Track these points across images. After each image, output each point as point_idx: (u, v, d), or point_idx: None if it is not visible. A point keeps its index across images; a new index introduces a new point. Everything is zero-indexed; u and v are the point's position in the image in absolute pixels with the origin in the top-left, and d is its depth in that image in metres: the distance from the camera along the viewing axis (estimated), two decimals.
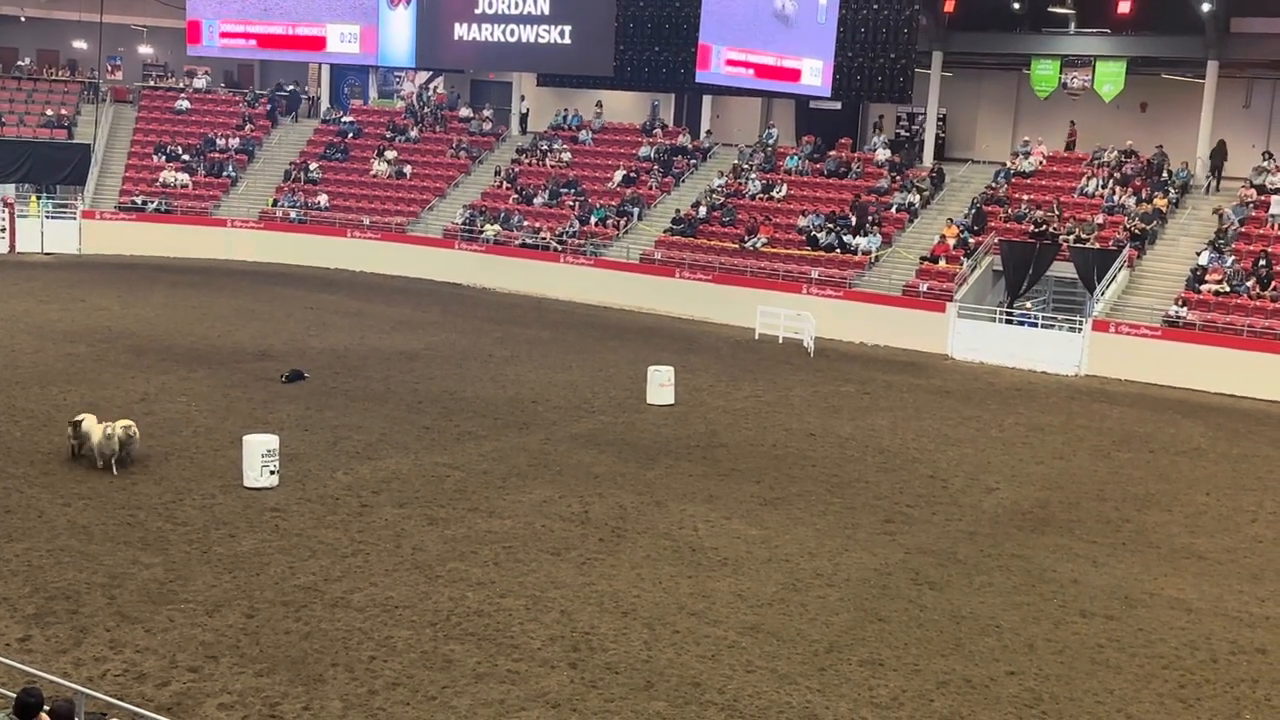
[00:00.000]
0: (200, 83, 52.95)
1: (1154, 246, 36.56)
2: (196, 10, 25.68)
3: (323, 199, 47.02)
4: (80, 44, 53.65)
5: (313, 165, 48.81)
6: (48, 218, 45.17)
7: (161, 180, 47.52)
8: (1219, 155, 38.65)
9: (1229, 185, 38.12)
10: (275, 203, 47.20)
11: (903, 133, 46.32)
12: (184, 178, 47.84)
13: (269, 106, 51.81)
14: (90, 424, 19.77)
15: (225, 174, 48.60)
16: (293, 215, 46.55)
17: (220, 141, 49.93)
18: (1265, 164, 37.58)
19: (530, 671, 13.50)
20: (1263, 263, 33.76)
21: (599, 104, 48.82)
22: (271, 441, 19.50)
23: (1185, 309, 33.33)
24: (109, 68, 52.98)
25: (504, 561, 16.71)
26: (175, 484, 19.22)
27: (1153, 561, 18.40)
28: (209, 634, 13.94)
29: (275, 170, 49.31)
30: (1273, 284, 33.28)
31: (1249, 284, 33.41)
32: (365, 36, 24.07)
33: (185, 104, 51.46)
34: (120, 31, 52.05)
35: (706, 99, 46.71)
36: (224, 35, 25.48)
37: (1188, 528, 20.23)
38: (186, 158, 48.89)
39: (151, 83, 53.48)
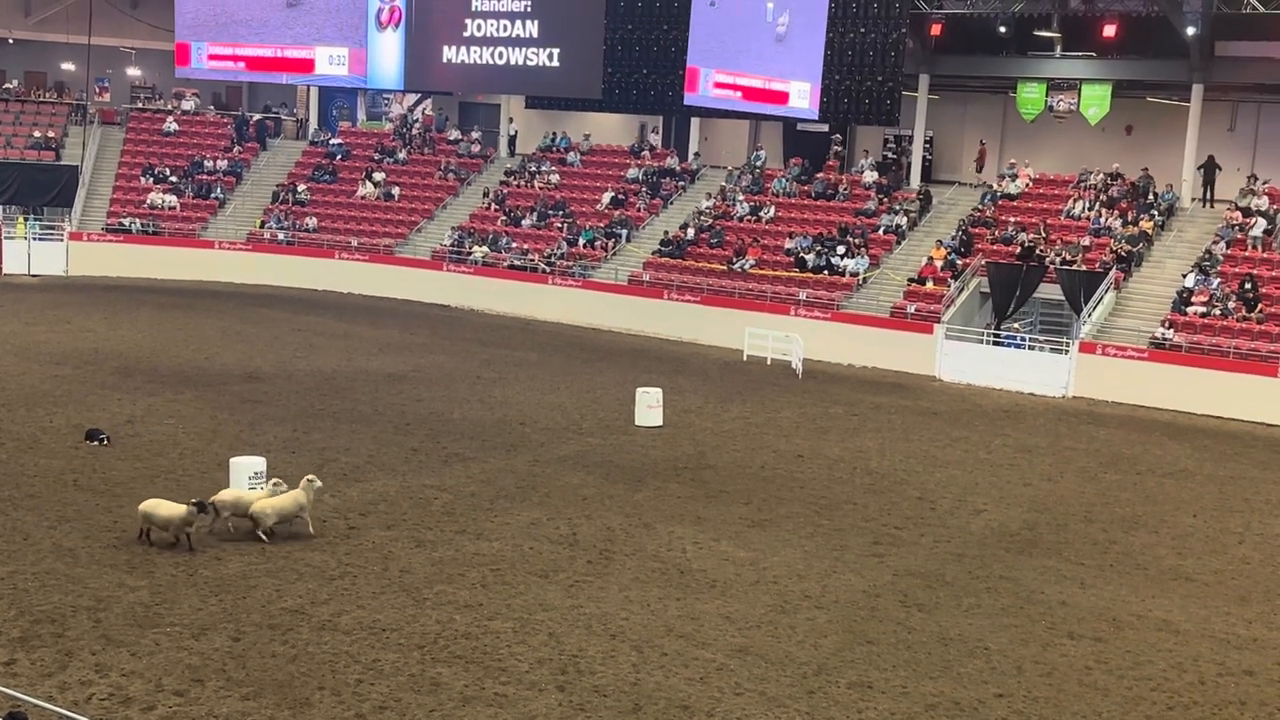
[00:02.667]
0: (188, 105, 52.93)
1: (1140, 269, 36.71)
2: (185, 33, 25.69)
3: (311, 221, 47.01)
4: (68, 66, 53.63)
5: (301, 187, 48.81)
6: (35, 239, 45.07)
7: (149, 202, 47.45)
8: (1210, 169, 38.87)
9: (1219, 201, 38.34)
10: (263, 224, 47.16)
11: (890, 155, 46.50)
12: (171, 199, 47.78)
13: (237, 130, 51.64)
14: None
15: (213, 196, 48.55)
16: (280, 237, 46.51)
17: (208, 163, 49.90)
18: (1251, 186, 37.80)
19: (518, 694, 13.45)
20: (1248, 285, 33.90)
21: (586, 136, 48.93)
22: (259, 463, 19.44)
23: (1171, 331, 33.45)
24: (97, 89, 52.94)
25: (492, 584, 16.66)
26: None
27: (1140, 583, 18.41)
28: (195, 657, 13.87)
29: (263, 192, 49.28)
30: (1259, 306, 33.41)
31: (1233, 305, 33.53)
32: (354, 59, 24.11)
33: (173, 126, 51.44)
34: (108, 53, 52.04)
35: (695, 121, 46.87)
36: (212, 58, 25.51)
37: (1175, 549, 20.26)
38: (174, 179, 48.83)
39: (139, 105, 53.44)
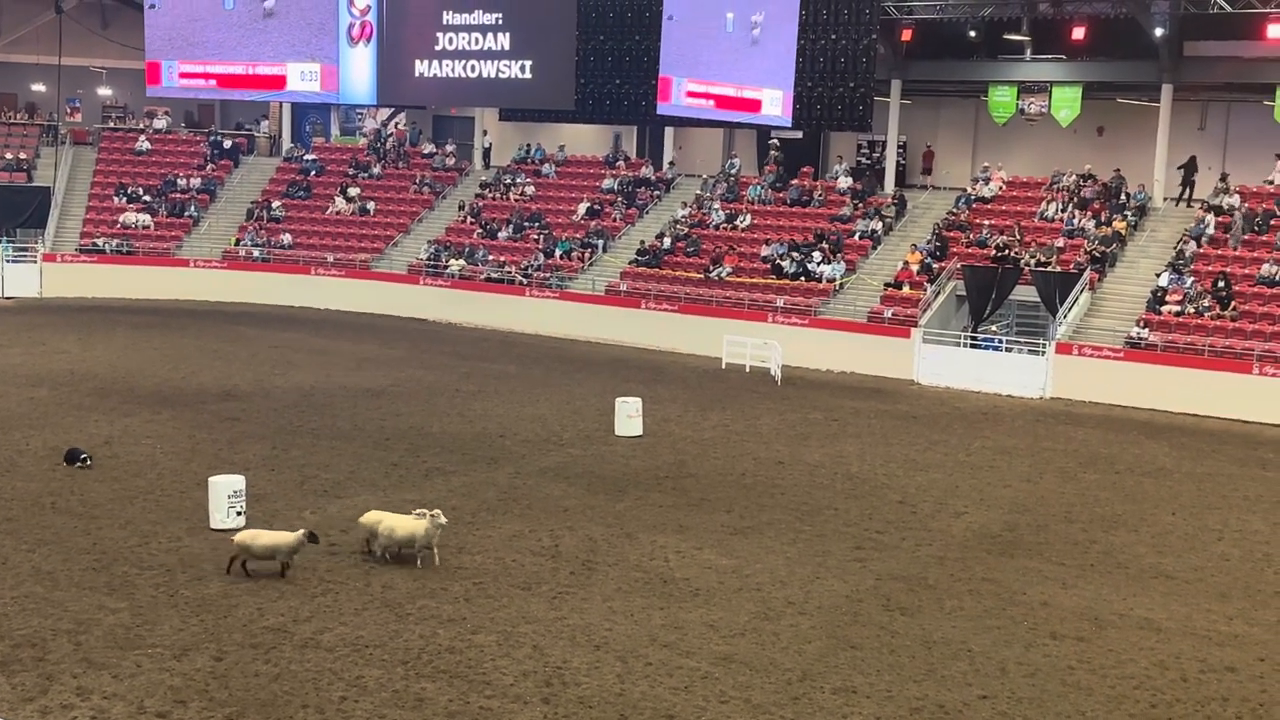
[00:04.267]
0: (160, 123, 52.74)
1: (1114, 269, 36.93)
2: (155, 51, 25.61)
3: (286, 237, 46.88)
4: (39, 87, 53.36)
5: (275, 203, 48.69)
6: (8, 262, 44.82)
7: (122, 221, 47.25)
8: (1190, 169, 39.10)
9: (1197, 200, 38.61)
10: (238, 242, 47.01)
11: (864, 160, 46.66)
12: (145, 218, 47.59)
13: (212, 148, 51.49)
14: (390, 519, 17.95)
15: (187, 214, 48.38)
16: (256, 254, 46.37)
17: (181, 181, 49.72)
18: (1221, 185, 38.07)
19: (503, 708, 13.42)
20: (1221, 283, 34.12)
21: (562, 147, 48.98)
22: (238, 482, 19.36)
23: (1147, 330, 33.64)
24: (68, 110, 52.72)
25: (474, 597, 16.63)
26: (141, 527, 19.04)
27: (1121, 582, 18.49)
28: (177, 678, 13.79)
29: (237, 209, 49.15)
30: (1232, 304, 33.64)
31: (1208, 303, 33.74)
32: (325, 75, 24.08)
33: (145, 145, 51.26)
34: (79, 73, 51.83)
35: (669, 130, 46.94)
36: (183, 75, 25.47)
37: (1155, 547, 20.35)
38: (148, 198, 48.65)
39: (111, 124, 53.24)
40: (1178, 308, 34.12)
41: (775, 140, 45.63)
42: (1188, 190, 39.47)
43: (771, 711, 13.62)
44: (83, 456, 22.17)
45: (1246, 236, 36.24)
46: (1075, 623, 16.67)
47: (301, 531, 17.26)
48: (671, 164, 47.34)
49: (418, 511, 17.90)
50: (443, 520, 17.74)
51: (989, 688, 14.48)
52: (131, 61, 45.21)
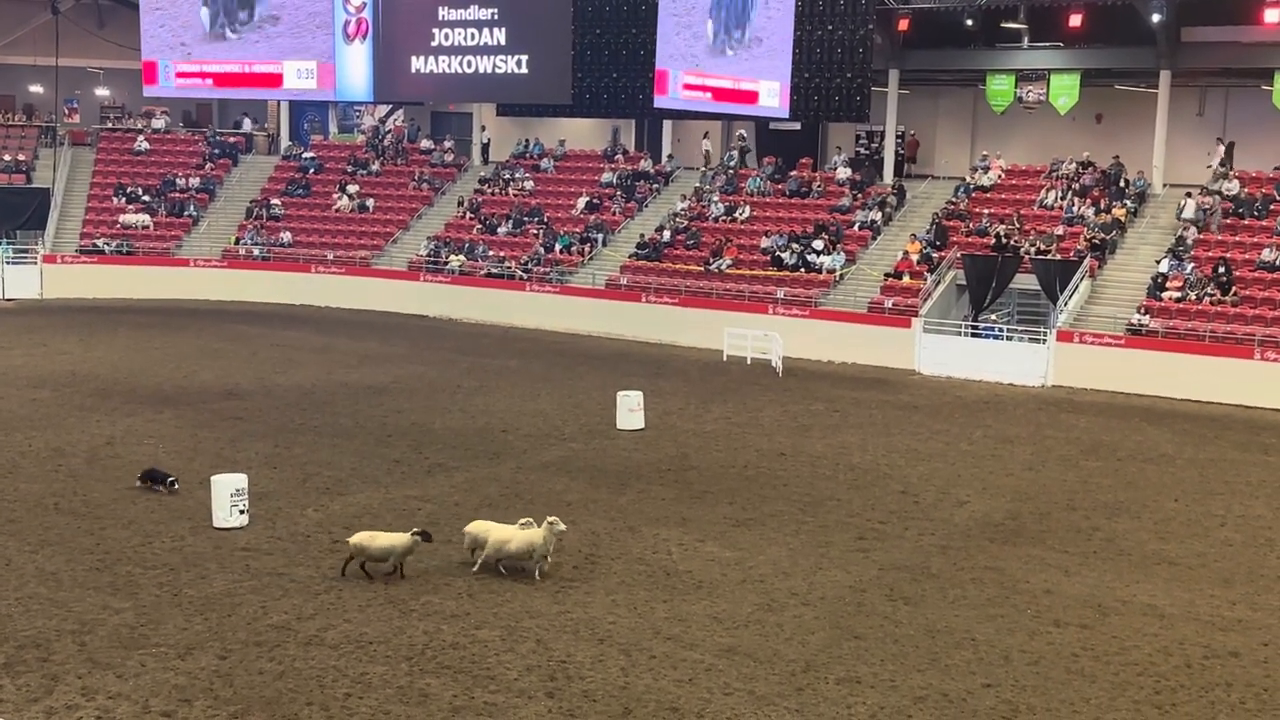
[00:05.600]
0: (159, 123, 52.75)
1: (1114, 256, 36.91)
2: (151, 51, 25.59)
3: (286, 235, 46.90)
4: (36, 88, 53.37)
5: (275, 202, 48.70)
6: (9, 263, 44.87)
7: (122, 222, 47.26)
8: (1230, 152, 38.97)
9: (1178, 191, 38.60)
10: (238, 241, 47.03)
11: (862, 151, 46.63)
12: (145, 219, 47.61)
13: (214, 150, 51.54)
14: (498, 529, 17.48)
15: (186, 214, 48.40)
16: (256, 253, 46.39)
17: (180, 181, 49.74)
18: (1221, 169, 38.03)
19: (507, 703, 13.44)
20: (1222, 269, 34.10)
21: (562, 141, 48.97)
22: (240, 481, 19.37)
23: (1147, 317, 33.63)
24: (66, 111, 52.71)
25: (478, 593, 16.64)
26: (144, 527, 19.05)
27: (1124, 569, 18.50)
28: (182, 677, 13.81)
29: (237, 208, 49.16)
30: (1232, 289, 33.62)
31: (1210, 290, 33.73)
32: (322, 72, 24.04)
33: (144, 145, 51.28)
34: (76, 74, 51.81)
35: (667, 123, 46.91)
36: (180, 75, 25.41)
37: (1157, 534, 20.35)
38: (147, 198, 48.67)
39: (109, 124, 53.24)
40: (1178, 294, 34.10)
41: (742, 133, 45.81)
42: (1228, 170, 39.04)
43: (776, 702, 13.63)
44: (169, 480, 20.72)
45: (1229, 221, 36.23)
46: (1078, 610, 16.68)
47: (413, 531, 16.98)
48: (670, 157, 47.31)
49: (523, 521, 17.33)
50: (561, 527, 17.06)
51: (993, 676, 14.49)
52: (128, 61, 45.12)
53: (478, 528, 17.57)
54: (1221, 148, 38.77)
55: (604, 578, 17.37)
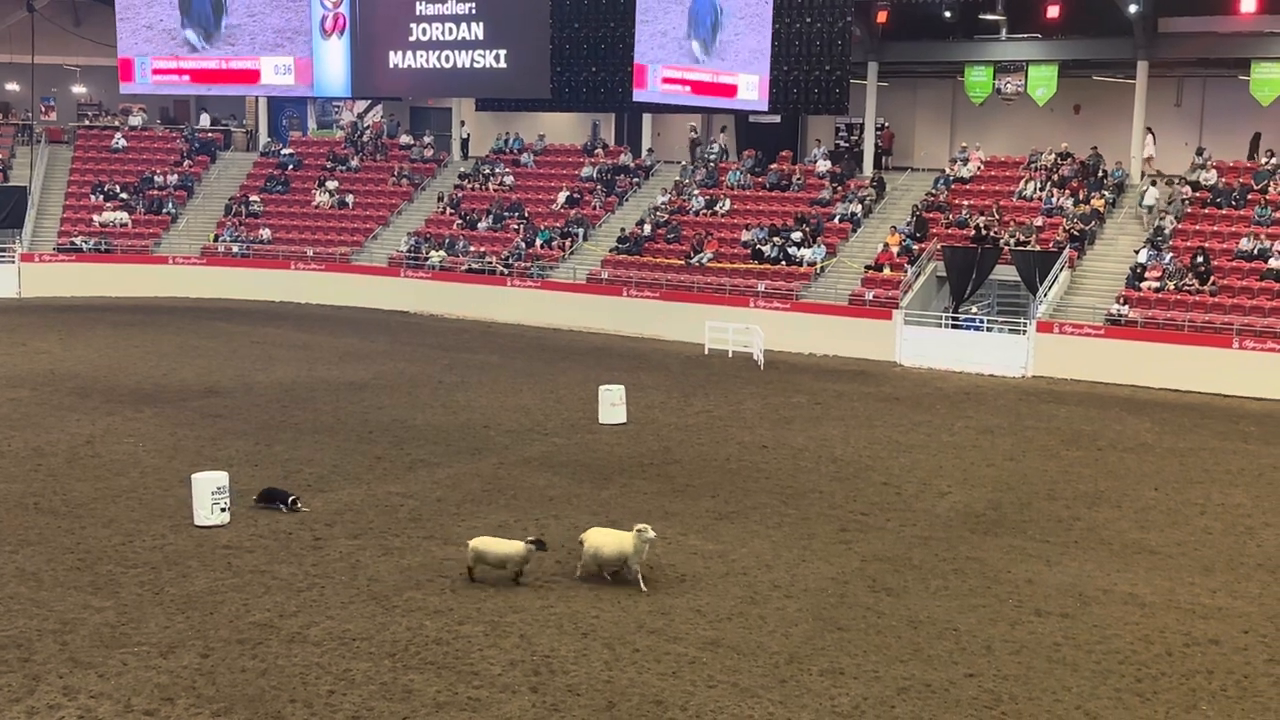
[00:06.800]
0: (136, 120, 52.48)
1: (1093, 246, 37.05)
2: (127, 48, 25.40)
3: (265, 232, 46.73)
4: (12, 86, 53.03)
5: (253, 198, 48.51)
6: None
7: (100, 220, 47.03)
8: (1255, 142, 39.06)
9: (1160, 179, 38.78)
10: (217, 238, 46.85)
11: (842, 143, 46.67)
12: (123, 216, 47.38)
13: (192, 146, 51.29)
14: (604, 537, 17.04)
15: (165, 211, 48.18)
16: (235, 250, 46.21)
17: (159, 178, 49.51)
18: (1198, 160, 38.22)
19: (491, 698, 13.43)
20: (1200, 259, 34.25)
21: (541, 136, 48.90)
22: (221, 478, 19.30)
23: (1127, 307, 33.77)
24: (43, 109, 52.40)
25: (461, 588, 16.62)
26: (125, 526, 18.98)
27: (1105, 558, 18.58)
28: (164, 676, 13.77)
29: (215, 205, 48.94)
30: (1211, 278, 33.77)
31: (1188, 280, 33.87)
32: (300, 68, 23.87)
33: (121, 142, 51.01)
34: (53, 72, 51.45)
35: (646, 117, 46.88)
36: (156, 72, 25.17)
37: (1138, 523, 20.45)
38: (125, 196, 48.43)
39: (86, 122, 52.96)
40: (1157, 284, 34.24)
41: (693, 125, 45.90)
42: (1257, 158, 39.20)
43: (759, 695, 13.66)
44: (291, 499, 19.76)
45: (1190, 210, 36.42)
46: (1060, 599, 16.76)
47: (528, 540, 16.67)
48: (650, 151, 47.29)
49: (638, 528, 16.66)
50: (650, 535, 16.58)
51: (975, 666, 14.54)
52: (105, 59, 44.88)
53: (587, 534, 17.13)
54: (1150, 138, 39.28)
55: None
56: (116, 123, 52.56)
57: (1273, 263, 33.86)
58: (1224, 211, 36.48)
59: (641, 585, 16.54)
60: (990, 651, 14.97)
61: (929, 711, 13.37)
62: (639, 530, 16.59)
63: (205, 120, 53.39)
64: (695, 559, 18.00)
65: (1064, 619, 16.07)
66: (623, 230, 42.73)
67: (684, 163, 46.03)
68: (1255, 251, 34.48)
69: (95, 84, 53.78)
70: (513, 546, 16.67)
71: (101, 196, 48.22)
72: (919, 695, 13.76)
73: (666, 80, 23.75)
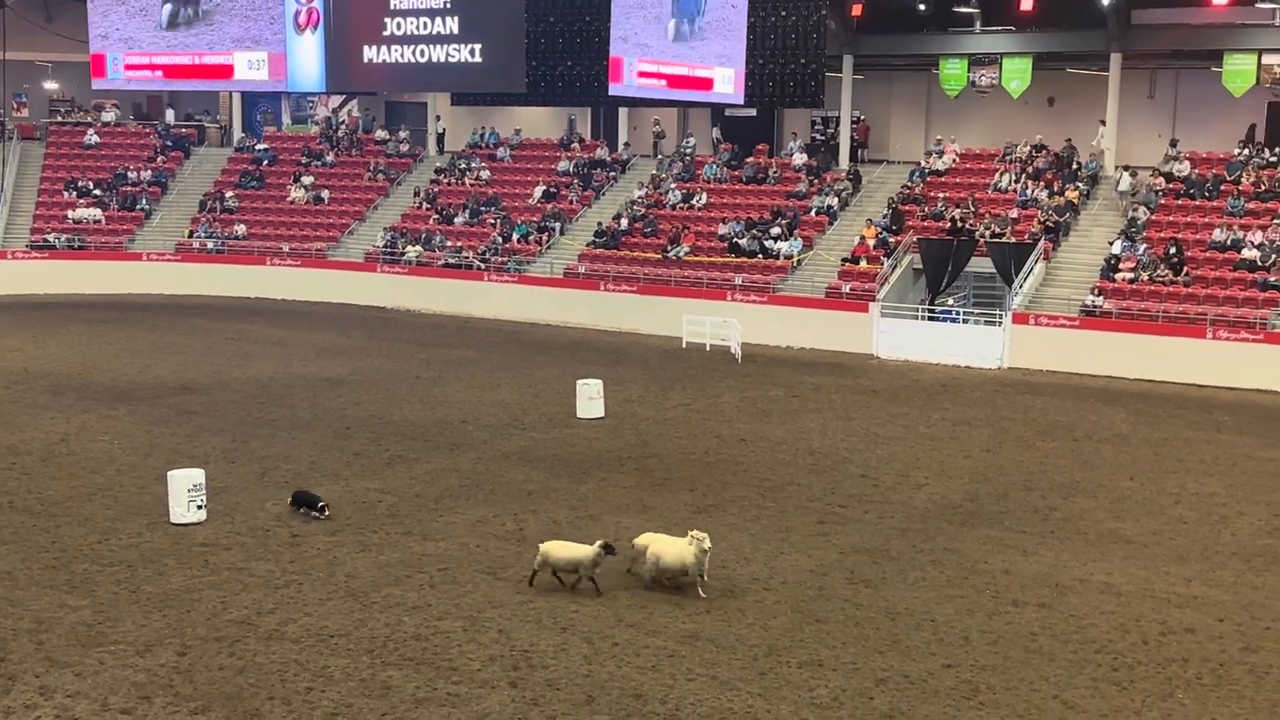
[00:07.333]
0: (109, 116, 52.15)
1: (1068, 238, 37.20)
2: (100, 44, 25.27)
3: (240, 228, 46.51)
4: None
5: (228, 194, 48.28)
6: None
7: (73, 217, 46.73)
8: (1250, 135, 39.21)
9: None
10: (191, 234, 46.60)
11: (818, 137, 46.73)
12: (96, 213, 47.09)
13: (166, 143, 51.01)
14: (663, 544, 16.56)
15: (139, 207, 47.90)
16: (210, 246, 45.98)
17: (132, 174, 49.21)
18: (1172, 151, 38.43)
19: (470, 693, 13.42)
20: (1173, 250, 34.43)
21: (518, 130, 48.80)
22: (197, 476, 19.23)
23: (1101, 298, 33.92)
24: (14, 105, 52.03)
25: (440, 584, 16.60)
26: (100, 524, 18.88)
27: (1081, 548, 18.68)
28: (141, 674, 13.71)
29: (190, 201, 48.69)
30: (1184, 269, 33.96)
31: (1162, 271, 34.05)
32: (273, 63, 23.81)
33: (94, 138, 50.68)
34: (24, 68, 51.03)
35: (623, 111, 46.84)
36: (129, 68, 25.11)
37: (1113, 513, 20.56)
38: (98, 193, 48.12)
39: (59, 118, 52.59)
40: (1131, 275, 34.42)
41: (657, 119, 46.00)
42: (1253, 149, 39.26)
43: (739, 687, 13.69)
44: (320, 505, 19.28)
45: (1164, 201, 36.60)
46: (1036, 589, 16.84)
47: (599, 544, 16.31)
48: (626, 145, 47.25)
49: (693, 535, 16.24)
50: (706, 545, 16.10)
51: (953, 656, 14.60)
52: (77, 54, 44.58)
53: (642, 541, 16.75)
54: (1101, 130, 39.48)
55: None
56: (89, 119, 52.21)
57: (1245, 253, 34.10)
58: (1197, 203, 36.68)
59: (701, 592, 16.21)
60: (968, 642, 15.04)
61: (907, 702, 13.42)
62: (696, 538, 16.10)
63: (171, 116, 53.06)
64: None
65: (1041, 609, 16.15)
66: (600, 224, 42.70)
67: (660, 157, 46.00)
68: (1228, 242, 34.69)
69: (68, 80, 53.41)
70: (583, 550, 16.26)
71: (75, 193, 47.90)
72: (897, 686, 13.81)
73: (642, 74, 23.80)
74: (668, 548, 16.35)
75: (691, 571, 16.16)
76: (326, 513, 19.20)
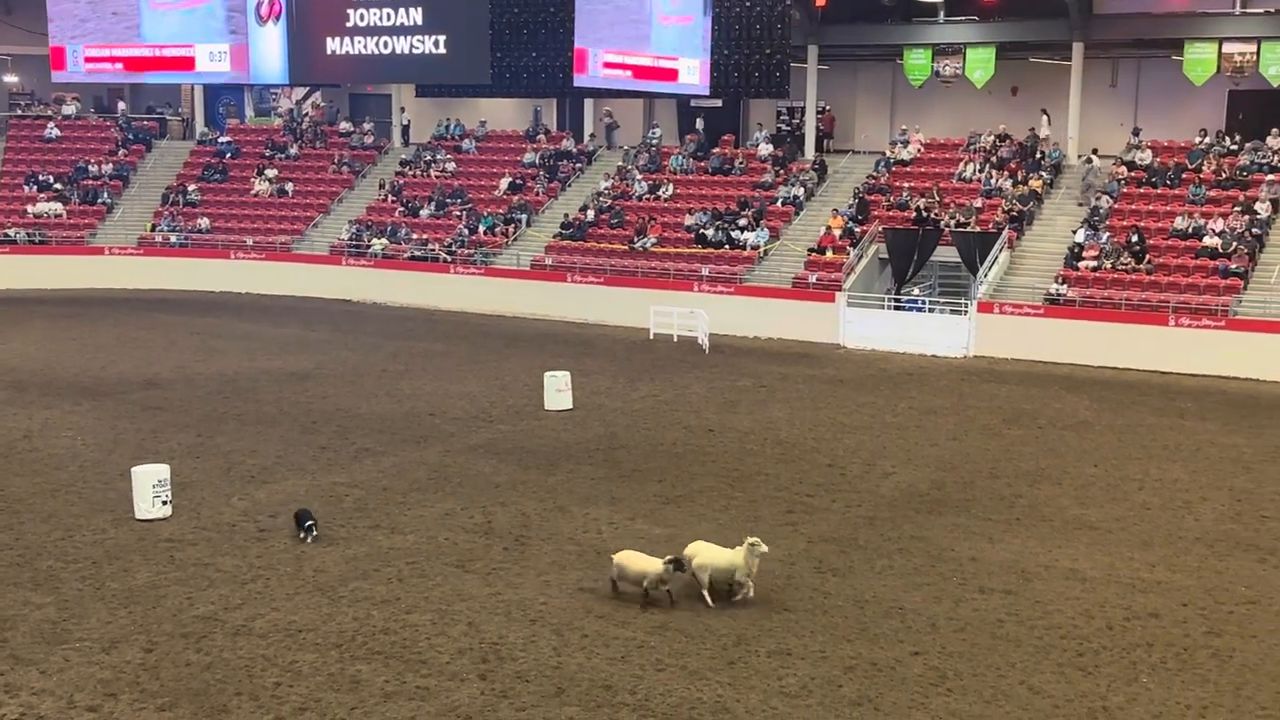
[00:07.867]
0: (69, 109, 51.65)
1: (1032, 227, 37.42)
2: (59, 36, 24.99)
3: (203, 221, 46.19)
4: None
5: (191, 188, 47.94)
6: None
7: (34, 211, 46.29)
8: (1232, 126, 39.49)
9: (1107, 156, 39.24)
10: (154, 228, 46.24)
11: (784, 127, 46.79)
12: (57, 207, 46.65)
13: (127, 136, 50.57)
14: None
15: (100, 201, 47.49)
16: (173, 239, 45.64)
17: (93, 168, 48.78)
18: (1134, 140, 38.70)
19: (440, 686, 13.40)
20: (1136, 238, 34.69)
21: (483, 122, 48.63)
22: (162, 471, 19.10)
23: (1065, 286, 34.15)
24: None
25: (408, 577, 16.56)
26: (64, 520, 18.73)
27: (1046, 534, 18.81)
28: (107, 671, 13.62)
29: (152, 195, 48.30)
30: (1146, 257, 34.22)
31: (1125, 259, 34.30)
32: (235, 55, 23.57)
33: (55, 131, 50.19)
34: None
35: (589, 102, 46.77)
36: (89, 60, 24.79)
37: (1078, 499, 20.72)
38: (59, 186, 47.67)
39: (18, 112, 52.06)
40: (1094, 263, 34.66)
41: (608, 109, 45.99)
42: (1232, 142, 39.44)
43: (708, 677, 13.72)
44: (307, 524, 18.13)
45: (1127, 189, 36.86)
46: (1003, 576, 16.95)
47: (666, 560, 15.87)
48: (593, 136, 47.20)
49: (750, 540, 15.88)
50: (763, 549, 15.79)
51: (920, 644, 14.68)
52: (37, 47, 44.14)
53: (691, 550, 16.37)
54: (1045, 119, 39.92)
55: (535, 558, 17.36)
56: (49, 112, 51.71)
57: (1207, 240, 34.39)
58: (1159, 191, 36.96)
59: (750, 593, 15.92)
60: (935, 629, 15.12)
61: (875, 689, 13.49)
62: (751, 544, 15.78)
63: (122, 107, 52.56)
64: (643, 544, 17.96)
65: (1007, 595, 16.26)
66: (566, 216, 42.65)
67: (615, 147, 45.99)
68: (1190, 230, 34.97)
69: (27, 73, 52.87)
70: (651, 564, 15.96)
71: (35, 187, 47.45)
72: (865, 674, 13.88)
73: (608, 65, 23.72)
74: (719, 556, 16.06)
75: (739, 574, 15.86)
76: (313, 535, 17.96)
